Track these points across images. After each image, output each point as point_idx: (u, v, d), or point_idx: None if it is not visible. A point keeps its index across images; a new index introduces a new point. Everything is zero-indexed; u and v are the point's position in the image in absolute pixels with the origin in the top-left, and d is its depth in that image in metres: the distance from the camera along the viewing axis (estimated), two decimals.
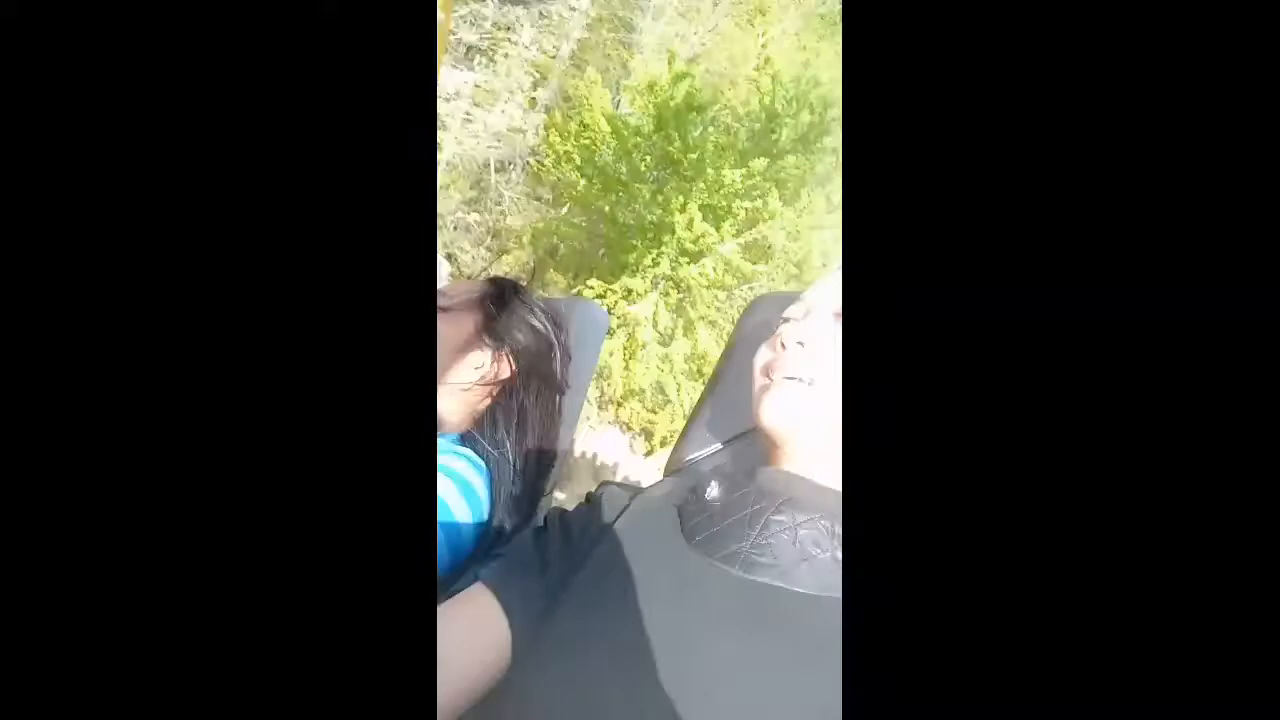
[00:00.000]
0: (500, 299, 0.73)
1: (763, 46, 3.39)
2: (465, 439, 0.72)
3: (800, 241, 3.09)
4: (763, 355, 0.53)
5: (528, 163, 4.03)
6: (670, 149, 3.01)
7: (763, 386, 0.51)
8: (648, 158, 3.13)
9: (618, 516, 0.51)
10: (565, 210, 3.76)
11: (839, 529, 0.43)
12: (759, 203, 2.93)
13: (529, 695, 0.39)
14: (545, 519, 0.54)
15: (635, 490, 0.57)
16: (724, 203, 2.93)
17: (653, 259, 3.05)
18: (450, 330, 0.70)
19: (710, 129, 3.08)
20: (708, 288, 3.05)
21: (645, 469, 3.25)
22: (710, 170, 2.91)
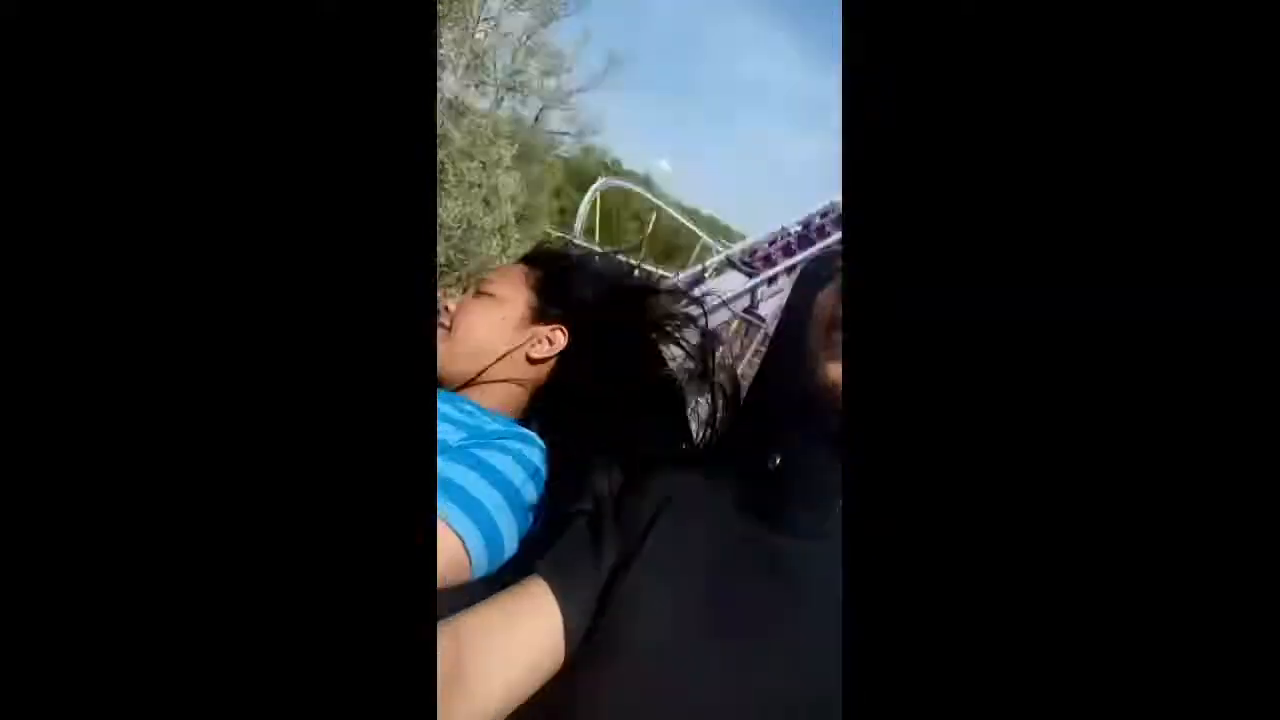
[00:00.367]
0: (548, 266, 0.73)
1: None
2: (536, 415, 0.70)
3: None
4: (819, 315, 0.50)
5: None
6: None
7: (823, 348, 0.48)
8: None
9: (669, 496, 0.49)
10: None
11: None
12: None
13: (593, 691, 0.39)
14: (597, 503, 0.51)
15: (686, 463, 0.56)
16: None
17: None
18: (504, 311, 0.69)
19: None
20: None
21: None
22: None
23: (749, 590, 0.40)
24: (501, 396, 0.69)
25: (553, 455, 0.64)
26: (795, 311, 0.75)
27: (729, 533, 0.44)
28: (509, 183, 8.07)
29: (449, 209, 7.19)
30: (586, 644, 0.41)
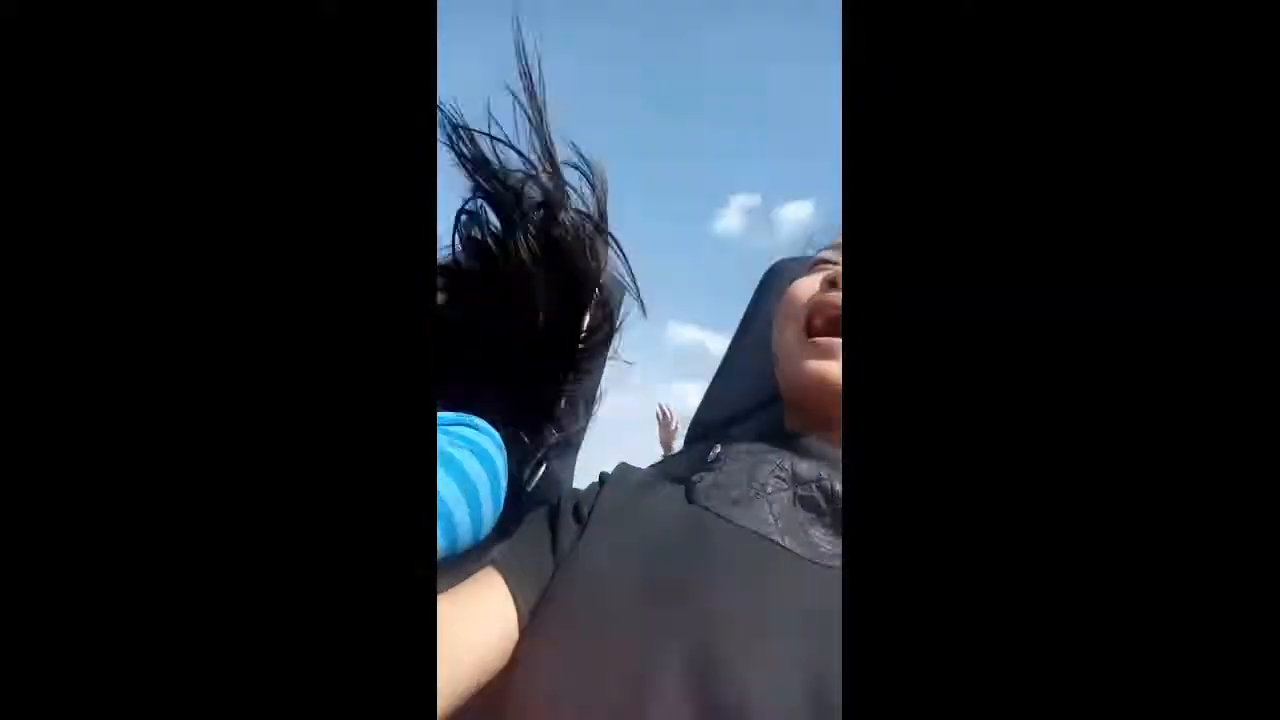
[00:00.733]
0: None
1: None
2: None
3: None
4: (796, 309, 0.52)
5: None
6: None
7: (803, 345, 0.50)
8: None
9: (625, 490, 0.51)
10: None
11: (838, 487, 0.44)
12: None
13: (535, 664, 0.40)
14: (560, 498, 0.54)
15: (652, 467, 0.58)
16: None
17: None
18: None
19: None
20: None
21: None
22: None
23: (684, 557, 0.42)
24: None
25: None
26: (757, 315, 0.76)
27: (675, 511, 0.46)
28: None
29: None
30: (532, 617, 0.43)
